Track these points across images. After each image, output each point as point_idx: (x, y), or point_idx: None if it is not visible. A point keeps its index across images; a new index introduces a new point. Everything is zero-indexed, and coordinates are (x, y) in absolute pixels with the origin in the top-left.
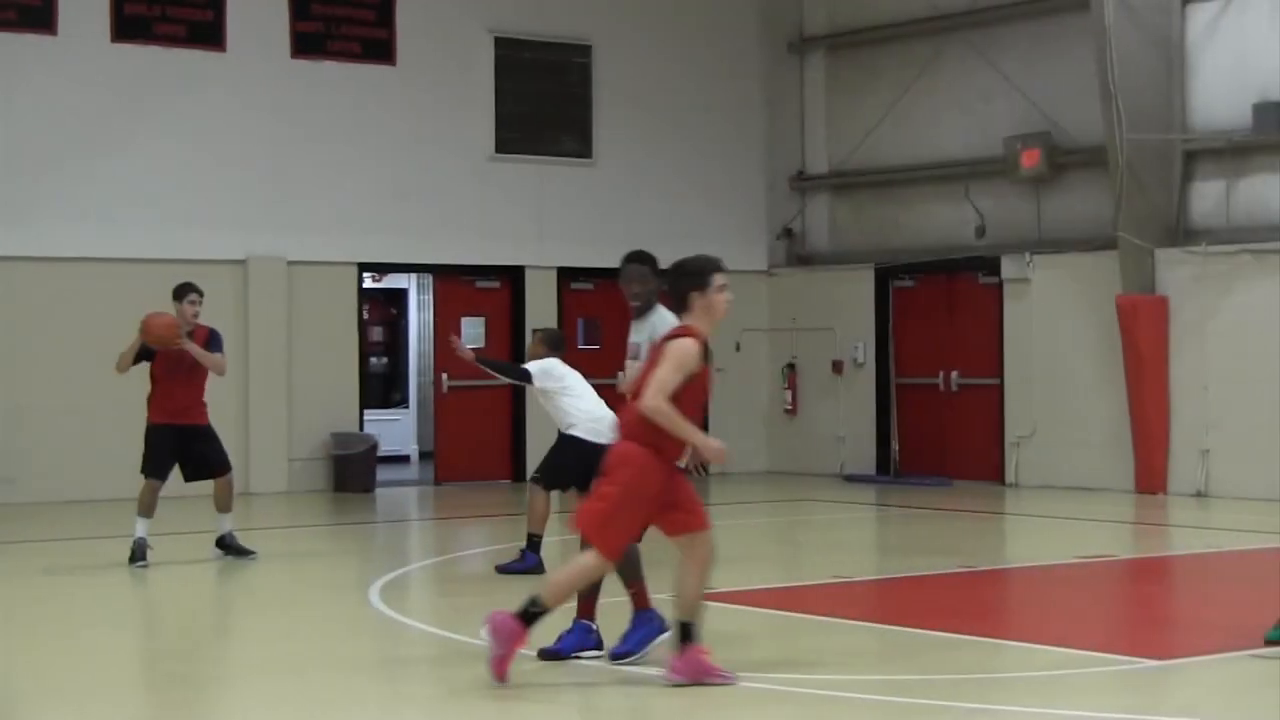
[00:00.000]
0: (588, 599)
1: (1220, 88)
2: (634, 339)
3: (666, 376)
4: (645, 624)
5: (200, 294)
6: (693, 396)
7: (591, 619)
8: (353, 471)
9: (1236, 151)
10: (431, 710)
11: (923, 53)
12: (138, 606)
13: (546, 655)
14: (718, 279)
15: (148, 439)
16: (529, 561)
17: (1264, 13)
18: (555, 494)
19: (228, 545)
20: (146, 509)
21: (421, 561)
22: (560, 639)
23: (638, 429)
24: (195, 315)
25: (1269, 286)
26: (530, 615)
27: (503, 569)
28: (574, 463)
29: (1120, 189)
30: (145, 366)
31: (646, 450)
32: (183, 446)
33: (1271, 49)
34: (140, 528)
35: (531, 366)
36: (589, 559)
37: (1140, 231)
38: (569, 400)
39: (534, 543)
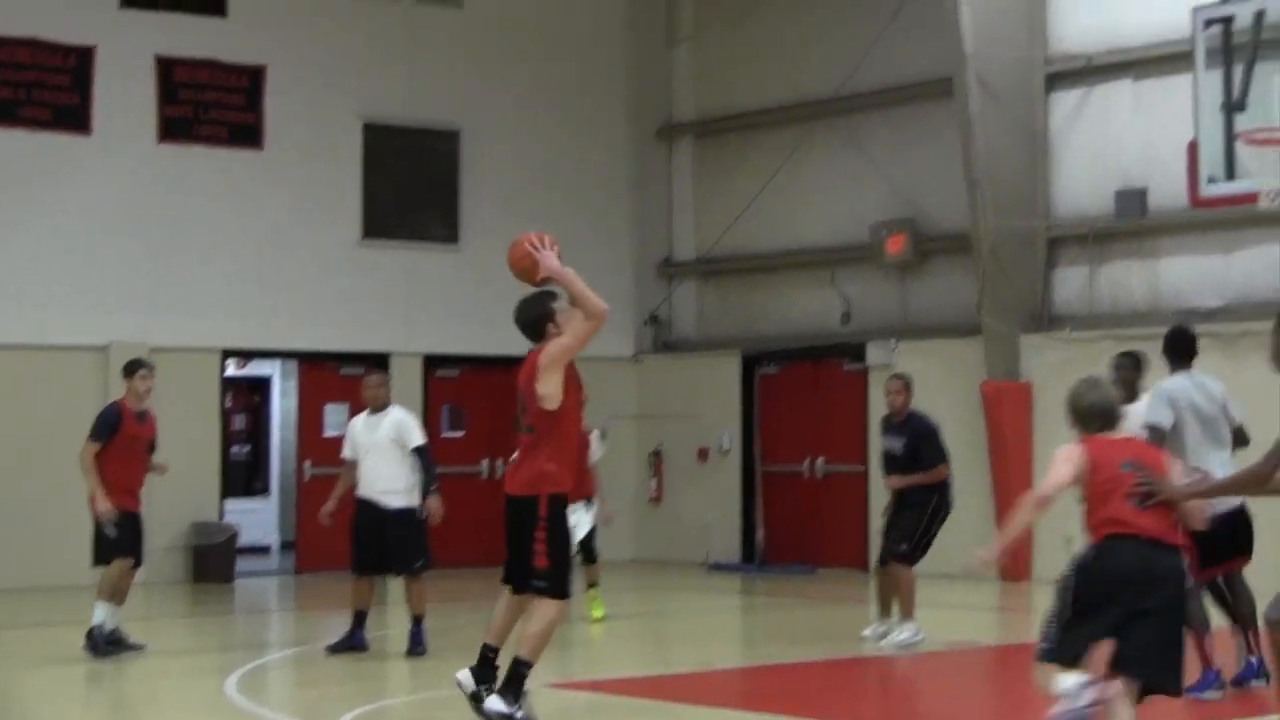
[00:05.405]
0: (1204, 643)
1: (1083, 175)
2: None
3: None
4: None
5: (151, 369)
6: None
7: (1212, 664)
8: (213, 561)
9: (1099, 238)
10: None
11: (789, 139)
12: None
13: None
14: None
15: (116, 522)
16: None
17: (1125, 101)
18: None
19: (118, 640)
20: (119, 595)
21: (280, 652)
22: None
23: None
24: (148, 391)
25: None
26: None
27: (335, 648)
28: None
29: (984, 275)
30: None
31: None
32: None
33: (1133, 136)
34: (107, 613)
35: (422, 438)
36: None
37: (1005, 317)
38: (411, 461)
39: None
